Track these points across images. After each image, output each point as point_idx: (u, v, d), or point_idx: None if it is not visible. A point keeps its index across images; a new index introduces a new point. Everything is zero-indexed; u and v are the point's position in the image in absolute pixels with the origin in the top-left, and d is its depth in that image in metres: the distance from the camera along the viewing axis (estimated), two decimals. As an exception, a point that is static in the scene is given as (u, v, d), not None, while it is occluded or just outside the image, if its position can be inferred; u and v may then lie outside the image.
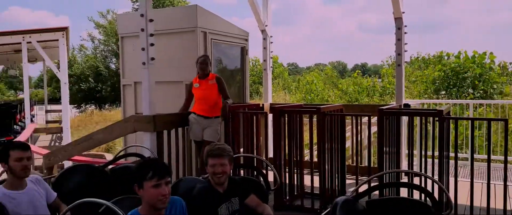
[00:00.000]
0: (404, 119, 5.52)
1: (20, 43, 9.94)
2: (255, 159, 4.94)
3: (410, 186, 3.53)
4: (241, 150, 5.16)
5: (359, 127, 4.67)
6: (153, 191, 2.08)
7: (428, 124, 4.66)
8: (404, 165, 5.49)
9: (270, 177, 3.98)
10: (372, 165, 4.93)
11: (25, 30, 9.92)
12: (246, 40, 6.85)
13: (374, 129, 7.00)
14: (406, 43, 5.60)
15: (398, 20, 5.52)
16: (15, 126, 13.76)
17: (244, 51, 6.84)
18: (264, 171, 4.30)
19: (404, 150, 5.63)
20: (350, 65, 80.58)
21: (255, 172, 4.49)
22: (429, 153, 4.20)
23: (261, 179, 3.41)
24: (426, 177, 3.67)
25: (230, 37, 6.49)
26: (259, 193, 2.98)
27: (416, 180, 4.38)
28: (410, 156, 4.29)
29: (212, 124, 4.83)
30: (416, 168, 4.99)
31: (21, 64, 13.44)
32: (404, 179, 4.96)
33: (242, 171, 4.89)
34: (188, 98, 5.08)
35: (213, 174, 2.71)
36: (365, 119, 6.33)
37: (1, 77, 51.13)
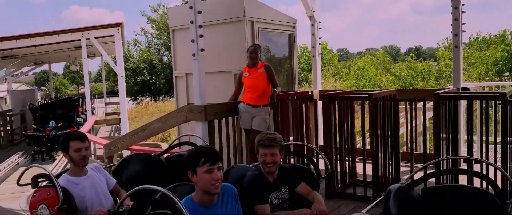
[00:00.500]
0: (463, 103, 5.23)
1: (79, 40, 10.52)
2: (305, 147, 4.91)
3: (470, 173, 3.36)
4: (291, 138, 5.15)
5: (413, 113, 4.49)
6: (206, 176, 2.15)
7: (490, 108, 4.39)
8: (463, 152, 5.22)
9: (321, 165, 3.95)
10: (428, 152, 4.74)
11: (84, 27, 10.48)
12: (294, 27, 6.79)
13: (429, 114, 6.73)
14: (464, 23, 5.28)
15: (455, -1, 5.21)
16: (77, 118, 14.65)
17: (291, 39, 6.78)
18: (315, 159, 4.27)
19: (462, 136, 5.35)
20: (404, 49, 77.44)
21: (305, 160, 4.48)
22: (491, 138, 3.96)
23: (312, 167, 3.39)
24: (487, 164, 3.47)
25: (278, 25, 6.46)
26: (309, 181, 2.97)
27: (476, 168, 4.16)
28: (470, 142, 4.07)
29: (260, 113, 4.86)
30: (476, 155, 4.72)
31: (81, 60, 14.24)
32: (463, 167, 4.73)
33: (292, 159, 4.89)
34: (237, 87, 5.15)
35: (263, 163, 2.73)
36: (420, 104, 6.10)
37: (64, 73, 54.55)
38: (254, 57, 4.92)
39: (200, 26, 4.48)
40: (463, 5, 5.25)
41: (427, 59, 18.69)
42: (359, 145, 6.84)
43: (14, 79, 20.01)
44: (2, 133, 14.41)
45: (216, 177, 2.16)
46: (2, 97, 20.38)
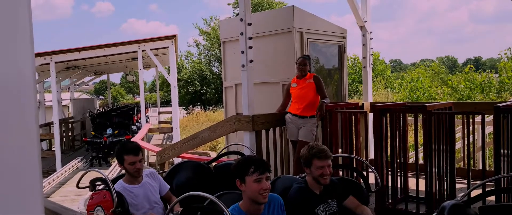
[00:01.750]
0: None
1: (136, 51, 11.05)
2: (354, 159, 4.81)
3: (535, 193, 3.12)
4: (340, 150, 5.06)
5: (471, 127, 4.26)
6: (255, 186, 2.16)
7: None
8: (528, 170, 4.86)
9: (371, 179, 3.84)
10: (487, 169, 4.46)
11: (140, 40, 11.01)
12: (344, 37, 6.71)
13: (489, 129, 6.34)
14: (528, 32, 4.96)
15: (518, 7, 4.92)
16: (132, 126, 15.29)
17: (342, 49, 6.71)
18: (364, 173, 4.17)
19: (527, 153, 4.98)
20: (461, 60, 73.86)
21: (354, 173, 4.38)
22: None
23: (361, 180, 3.31)
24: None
25: (327, 35, 6.42)
26: (358, 195, 2.90)
27: (542, 187, 3.85)
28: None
29: (307, 124, 4.82)
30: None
31: (137, 71, 14.93)
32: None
33: (341, 172, 4.80)
34: (285, 98, 5.15)
35: (320, 176, 2.68)
36: (478, 118, 5.77)
37: (121, 83, 57.36)
38: (302, 69, 4.91)
39: (250, 38, 4.56)
40: (527, 13, 4.95)
41: (487, 71, 17.66)
42: (412, 159, 6.58)
43: (76, 89, 21.35)
44: (64, 138, 15.36)
45: (265, 186, 2.18)
46: (65, 105, 21.78)
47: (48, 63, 11.22)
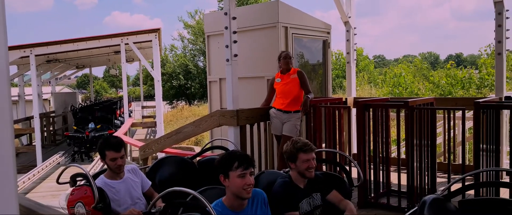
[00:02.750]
0: (506, 113, 5.00)
1: (119, 45, 10.89)
2: (337, 154, 4.84)
3: (512, 187, 3.19)
4: (323, 145, 5.10)
5: (452, 122, 4.33)
6: (238, 181, 2.16)
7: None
8: (505, 164, 4.99)
9: (354, 174, 3.87)
10: (467, 163, 4.56)
11: (123, 33, 10.85)
12: (328, 33, 6.73)
13: (469, 124, 6.46)
14: (508, 30, 5.05)
15: (499, 4, 5.00)
16: (115, 121, 15.10)
17: (326, 45, 6.73)
18: (347, 167, 4.20)
19: (505, 148, 5.11)
20: (443, 56, 75.08)
21: (337, 168, 4.41)
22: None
23: (344, 175, 3.34)
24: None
25: (312, 30, 6.43)
26: (341, 189, 2.92)
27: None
28: (513, 154, 3.88)
29: (291, 119, 4.83)
30: (520, 168, 4.49)
31: (120, 64, 14.72)
32: (505, 180, 4.50)
33: (324, 167, 4.83)
34: (269, 93, 5.15)
35: (306, 169, 2.69)
36: (458, 113, 5.87)
37: (104, 77, 56.57)
38: (288, 62, 4.90)
39: (234, 32, 4.53)
40: (507, 10, 5.04)
41: (468, 67, 17.98)
42: (394, 154, 6.67)
43: (57, 82, 20.97)
44: (45, 133, 15.08)
45: (249, 181, 2.18)
46: (46, 99, 21.37)
47: (28, 56, 10.97)
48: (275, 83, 5.00)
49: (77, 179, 2.93)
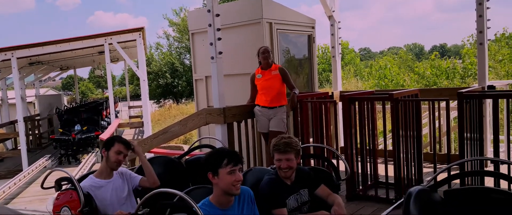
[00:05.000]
0: (488, 102, 5.07)
1: (102, 45, 10.74)
2: (325, 149, 4.87)
3: (497, 175, 3.24)
4: (311, 140, 5.11)
5: (437, 113, 4.38)
6: (228, 178, 2.17)
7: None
8: (489, 153, 5.06)
9: (341, 167, 3.90)
10: (452, 153, 4.62)
11: (106, 33, 10.70)
12: (313, 27, 6.75)
13: (454, 114, 6.55)
14: (489, 20, 5.12)
15: (479, -5, 5.06)
16: (102, 122, 14.92)
17: (311, 39, 6.74)
18: (334, 161, 4.23)
19: (488, 136, 5.19)
20: (428, 47, 75.84)
21: (325, 162, 4.43)
22: (519, 138, 3.82)
23: (332, 169, 3.35)
24: (515, 165, 3.35)
25: (297, 26, 6.44)
26: (329, 184, 2.93)
27: (503, 169, 4.02)
28: (496, 142, 3.93)
29: (277, 114, 4.80)
30: (503, 156, 4.56)
31: (105, 65, 14.54)
32: (489, 168, 4.58)
33: (312, 161, 4.85)
34: (253, 90, 5.04)
35: (279, 169, 2.71)
36: (443, 104, 5.95)
37: (89, 78, 55.90)
38: (267, 57, 4.80)
39: (218, 29, 4.50)
40: (488, 0, 5.10)
41: (452, 57, 18.22)
42: (380, 146, 6.73)
43: (42, 84, 20.62)
44: (30, 136, 14.84)
45: (238, 178, 2.20)
46: (31, 102, 21.02)
47: (9, 59, 10.75)
48: (256, 80, 4.92)
49: (62, 183, 2.89)
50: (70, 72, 21.71)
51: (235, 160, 2.20)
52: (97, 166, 3.03)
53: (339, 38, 6.63)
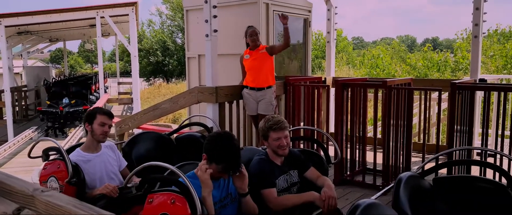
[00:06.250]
0: (479, 94, 5.12)
1: (94, 18, 10.54)
2: (315, 132, 4.88)
3: (483, 164, 3.29)
4: (301, 123, 5.12)
5: (428, 103, 4.41)
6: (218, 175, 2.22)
7: (507, 101, 4.28)
8: (477, 145, 5.14)
9: (331, 152, 3.91)
10: (440, 144, 4.67)
11: (99, 6, 10.49)
12: (309, 11, 6.69)
13: (444, 105, 6.61)
14: (485, 13, 5.12)
15: (477, -13, 5.05)
16: (90, 96, 14.76)
17: (307, 23, 6.69)
18: (325, 145, 4.24)
19: (477, 129, 5.25)
20: (420, 40, 76.16)
21: (315, 146, 4.45)
22: (507, 132, 3.87)
23: (322, 152, 3.36)
24: (502, 155, 3.40)
25: (293, 8, 6.37)
26: (319, 166, 2.94)
27: (489, 160, 4.08)
28: (484, 135, 3.98)
29: (265, 96, 4.74)
30: (490, 148, 4.63)
31: (95, 39, 14.30)
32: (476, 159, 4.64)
33: (302, 144, 4.87)
34: (244, 71, 5.00)
35: (278, 147, 2.69)
36: (435, 95, 5.98)
37: (79, 52, 55.04)
38: (255, 39, 4.71)
39: (215, 7, 4.43)
40: (485, -7, 5.09)
41: (443, 51, 18.31)
42: (369, 134, 6.78)
43: (29, 56, 20.24)
44: (17, 108, 14.62)
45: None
46: (18, 73, 20.62)
47: (-2, 27, 10.50)
48: (244, 60, 4.84)
49: (50, 153, 2.84)
50: (59, 45, 21.38)
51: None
52: (84, 140, 2.99)
53: (335, 23, 6.59)
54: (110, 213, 0.84)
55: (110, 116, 2.98)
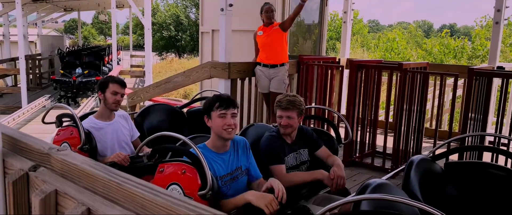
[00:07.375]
0: (496, 82, 5.02)
1: (109, -12, 10.49)
2: (327, 111, 4.85)
3: (495, 150, 3.25)
4: (313, 103, 5.09)
5: (443, 88, 4.34)
6: (219, 121, 2.19)
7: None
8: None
9: (342, 133, 3.90)
10: (453, 131, 4.61)
11: (114, -24, 10.41)
12: (327, -10, 6.55)
13: (459, 92, 6.50)
14: (508, -2, 4.98)
15: (502, -28, 4.89)
16: (103, 67, 14.85)
17: (323, 2, 6.57)
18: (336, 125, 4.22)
19: (491, 117, 5.18)
20: (437, 26, 74.51)
21: (325, 126, 4.43)
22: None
23: (332, 131, 3.34)
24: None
25: (310, -14, 6.25)
26: (329, 146, 2.93)
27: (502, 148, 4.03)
28: (498, 124, 3.92)
29: (278, 73, 4.71)
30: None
31: (109, 10, 14.26)
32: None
33: (312, 123, 4.86)
34: (257, 48, 4.97)
35: (279, 125, 2.70)
36: (449, 81, 5.89)
37: (93, 23, 55.09)
38: (270, 16, 4.69)
39: (231, -20, 4.36)
40: (510, -21, 4.94)
41: (461, 37, 17.92)
42: (381, 118, 6.73)
43: (44, 25, 20.33)
44: (30, 75, 14.80)
45: (229, 122, 2.20)
46: (32, 41, 20.80)
47: (13, -6, 10.53)
48: (257, 37, 4.81)
49: (63, 119, 2.87)
50: (73, 15, 21.41)
51: (227, 104, 2.20)
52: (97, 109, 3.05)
53: (353, 3, 6.47)
54: (124, 173, 0.84)
55: (123, 84, 2.96)
